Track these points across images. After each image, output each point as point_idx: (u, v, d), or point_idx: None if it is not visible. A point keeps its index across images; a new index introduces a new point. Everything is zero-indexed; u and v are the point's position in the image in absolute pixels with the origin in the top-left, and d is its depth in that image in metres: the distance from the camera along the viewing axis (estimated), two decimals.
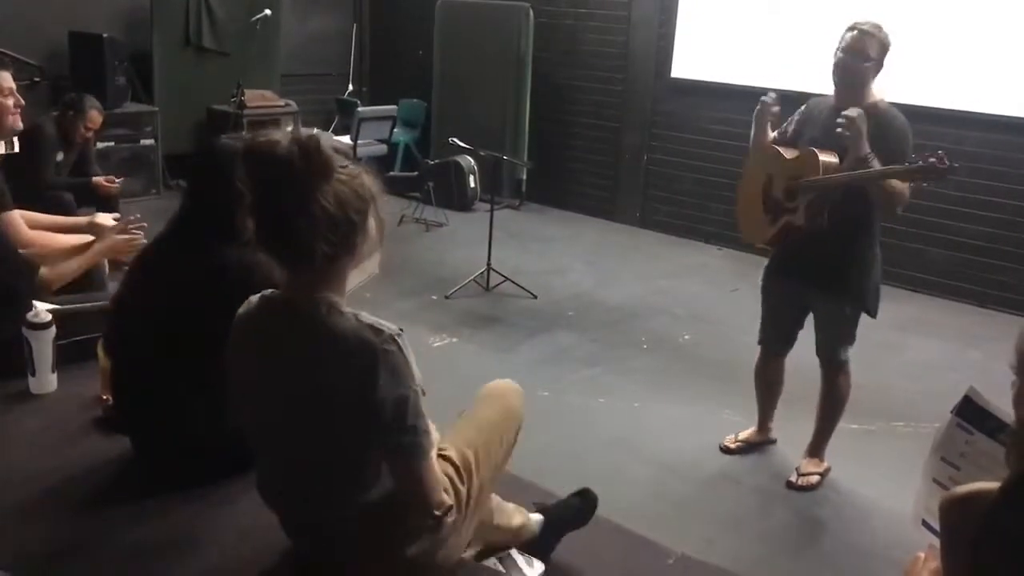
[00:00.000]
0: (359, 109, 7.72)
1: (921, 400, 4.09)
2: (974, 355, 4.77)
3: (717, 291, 5.78)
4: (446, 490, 1.91)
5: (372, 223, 1.75)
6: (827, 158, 3.11)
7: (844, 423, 3.48)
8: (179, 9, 7.21)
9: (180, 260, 2.35)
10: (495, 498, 2.20)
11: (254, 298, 1.87)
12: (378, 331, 1.70)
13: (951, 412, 1.87)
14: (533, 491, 2.62)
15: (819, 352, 3.41)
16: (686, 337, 4.99)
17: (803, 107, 3.39)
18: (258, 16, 7.38)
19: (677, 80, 6.83)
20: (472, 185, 7.42)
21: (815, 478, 3.42)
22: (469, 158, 7.23)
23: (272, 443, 1.90)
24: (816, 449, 3.49)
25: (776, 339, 3.54)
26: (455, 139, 5.80)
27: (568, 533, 2.45)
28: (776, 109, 3.37)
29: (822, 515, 3.29)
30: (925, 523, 1.85)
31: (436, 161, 7.35)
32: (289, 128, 1.69)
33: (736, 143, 6.50)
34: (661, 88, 6.98)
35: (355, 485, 1.82)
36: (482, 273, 5.50)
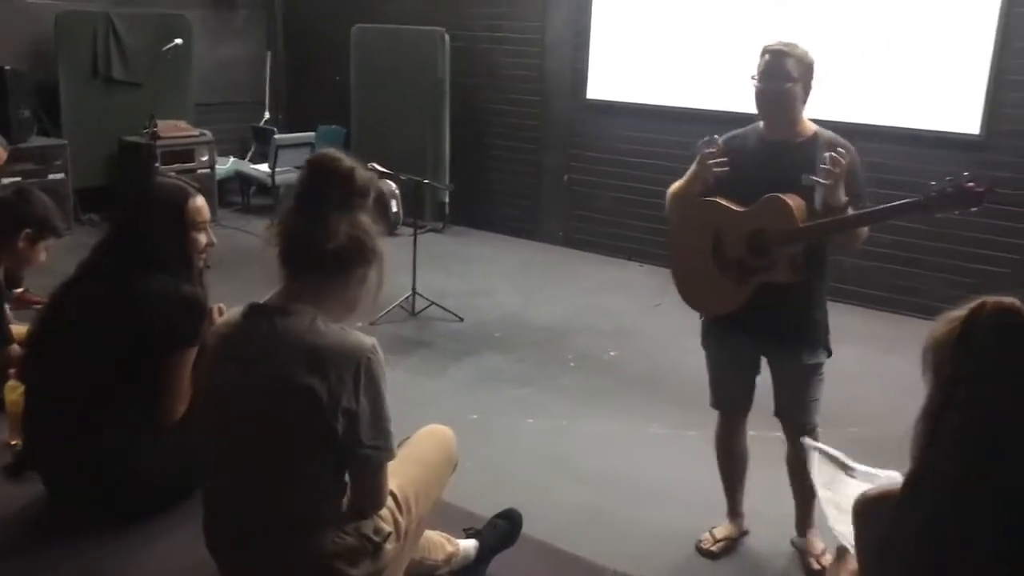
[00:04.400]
0: (276, 136, 7.65)
1: (843, 406, 4.19)
2: (891, 360, 4.93)
3: (640, 307, 5.86)
4: (385, 520, 1.98)
5: (372, 276, 1.93)
6: (796, 202, 2.70)
7: (767, 431, 3.52)
8: (86, 40, 7.04)
9: (102, 289, 2.38)
10: (424, 532, 2.23)
11: (238, 308, 1.96)
12: (361, 340, 1.85)
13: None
14: (463, 516, 2.61)
15: (785, 415, 2.98)
16: (611, 353, 5.04)
17: (720, 141, 2.93)
18: (169, 45, 7.26)
19: (592, 101, 6.94)
20: (394, 210, 7.38)
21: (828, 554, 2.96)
22: (390, 183, 7.19)
23: (238, 451, 1.89)
24: (810, 522, 3.09)
25: (733, 397, 3.10)
26: (375, 164, 5.76)
27: (497, 555, 2.47)
28: (719, 157, 2.85)
29: (754, 530, 3.30)
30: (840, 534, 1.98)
31: None
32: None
33: (651, 161, 6.66)
34: (578, 109, 7.08)
35: (319, 494, 1.88)
36: (407, 298, 5.48)
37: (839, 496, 2.10)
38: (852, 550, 1.80)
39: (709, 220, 2.91)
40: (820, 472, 2.21)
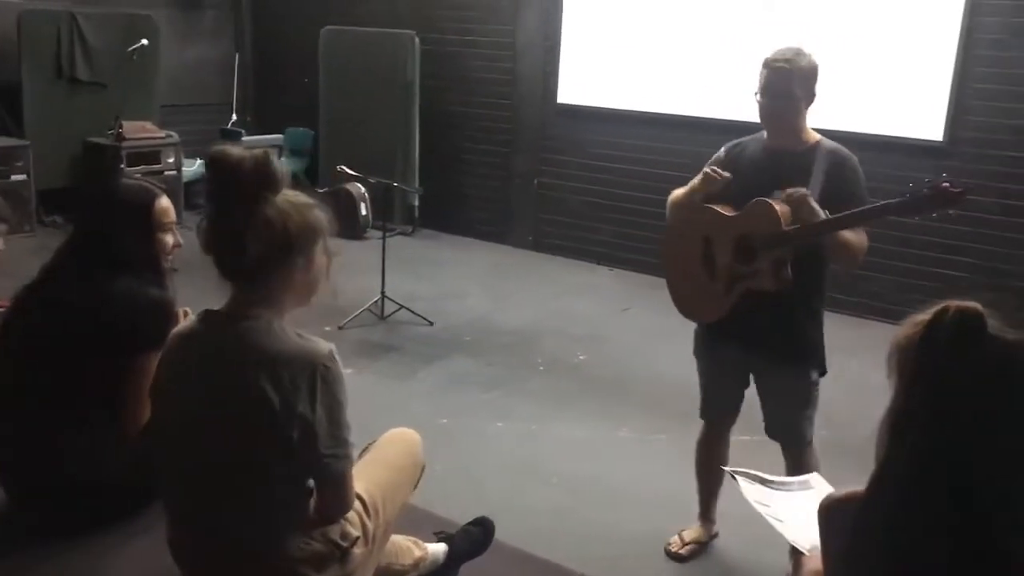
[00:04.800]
0: (243, 138, 7.60)
1: None
2: (855, 363, 4.98)
3: (609, 311, 5.88)
4: (352, 524, 1.96)
5: (316, 256, 1.85)
6: (783, 207, 2.67)
7: (737, 435, 3.51)
8: (50, 39, 6.94)
9: (67, 289, 2.35)
10: (392, 537, 2.22)
11: (193, 316, 1.93)
12: (317, 347, 1.80)
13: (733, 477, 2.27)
14: (433, 521, 2.61)
15: (775, 432, 2.95)
16: (581, 357, 5.05)
17: (723, 150, 2.97)
18: (135, 46, 7.18)
19: (563, 105, 6.96)
20: (363, 213, 7.36)
21: None
22: (359, 185, 7.18)
23: (196, 459, 1.86)
24: None
25: (721, 409, 3.09)
26: (344, 167, 5.75)
27: (467, 562, 2.47)
28: (722, 177, 2.82)
29: (722, 531, 3.29)
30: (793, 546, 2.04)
31: (325, 189, 7.26)
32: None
33: (622, 166, 6.70)
34: (548, 113, 7.09)
35: (281, 501, 1.85)
36: (376, 301, 5.45)
37: (774, 509, 2.16)
38: (807, 552, 1.84)
39: (700, 226, 2.89)
40: (749, 491, 2.26)
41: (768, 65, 2.74)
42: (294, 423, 1.75)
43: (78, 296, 2.31)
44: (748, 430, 3.11)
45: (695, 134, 6.30)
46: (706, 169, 2.85)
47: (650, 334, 5.37)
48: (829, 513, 1.55)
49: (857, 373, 4.67)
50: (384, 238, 5.62)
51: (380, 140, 7.40)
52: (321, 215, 1.87)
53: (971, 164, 5.39)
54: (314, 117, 7.94)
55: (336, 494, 1.89)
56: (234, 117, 8.60)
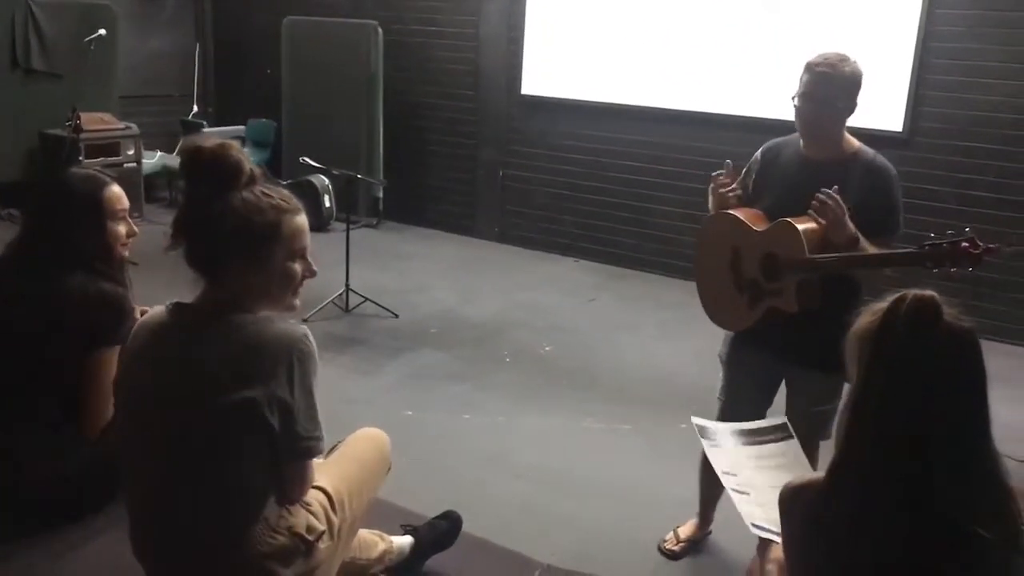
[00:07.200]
0: (204, 130, 7.51)
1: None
2: None
3: (575, 302, 5.89)
4: (318, 518, 1.96)
5: (274, 259, 1.82)
6: (806, 226, 2.57)
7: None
8: (4, 28, 6.81)
9: (18, 286, 2.31)
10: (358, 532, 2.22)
11: (161, 308, 1.90)
12: (291, 331, 1.80)
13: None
14: (400, 513, 2.60)
15: (797, 423, 2.72)
16: (547, 348, 5.06)
17: (759, 153, 2.86)
18: (92, 36, 7.05)
19: (527, 97, 6.95)
20: (327, 205, 7.31)
21: None
22: (323, 177, 7.13)
23: (164, 456, 1.83)
24: None
25: (741, 417, 2.85)
26: (307, 158, 5.70)
27: (434, 555, 2.48)
28: (727, 185, 2.78)
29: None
30: (755, 525, 2.02)
31: (288, 181, 7.19)
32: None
33: (587, 157, 6.71)
34: (513, 104, 7.08)
35: (250, 495, 1.84)
36: (340, 294, 5.42)
37: (741, 479, 2.13)
38: (776, 540, 1.85)
39: (729, 235, 2.81)
40: (717, 460, 2.22)
41: (810, 69, 2.62)
42: (274, 411, 1.74)
43: (29, 293, 2.27)
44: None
45: (660, 125, 6.34)
46: (713, 183, 2.76)
47: (616, 325, 5.40)
48: (789, 501, 1.57)
49: None
50: (348, 230, 5.58)
51: (344, 131, 7.34)
52: (293, 221, 1.85)
53: (931, 154, 5.47)
54: (277, 108, 7.86)
55: (301, 475, 1.90)
56: (195, 108, 8.50)
